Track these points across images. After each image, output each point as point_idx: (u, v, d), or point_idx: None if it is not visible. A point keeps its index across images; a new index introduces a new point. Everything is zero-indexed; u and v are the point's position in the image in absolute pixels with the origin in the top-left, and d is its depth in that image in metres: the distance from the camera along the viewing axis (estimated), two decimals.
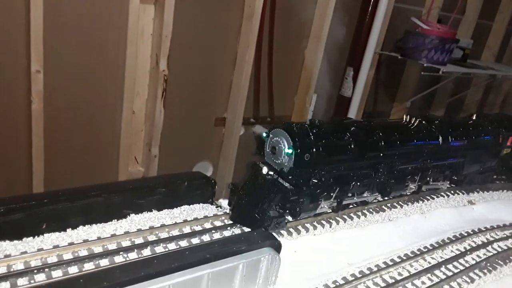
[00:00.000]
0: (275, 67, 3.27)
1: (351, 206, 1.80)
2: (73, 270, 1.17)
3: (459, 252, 1.73)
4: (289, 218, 1.60)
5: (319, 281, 1.43)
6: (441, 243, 1.76)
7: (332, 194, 1.62)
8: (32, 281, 1.10)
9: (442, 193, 2.15)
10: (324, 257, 1.56)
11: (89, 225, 1.36)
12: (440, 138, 1.95)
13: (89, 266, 1.20)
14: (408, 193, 1.98)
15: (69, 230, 1.32)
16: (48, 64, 2.31)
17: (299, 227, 1.63)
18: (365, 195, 1.78)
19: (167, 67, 2.72)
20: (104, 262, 1.22)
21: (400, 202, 1.99)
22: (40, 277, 1.12)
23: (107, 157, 2.79)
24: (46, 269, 1.14)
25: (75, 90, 2.51)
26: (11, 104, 2.35)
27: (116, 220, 1.41)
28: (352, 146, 1.64)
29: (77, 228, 1.34)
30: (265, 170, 1.55)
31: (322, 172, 1.56)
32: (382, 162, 1.75)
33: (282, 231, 1.59)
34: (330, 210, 1.69)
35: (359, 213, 1.82)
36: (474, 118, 2.23)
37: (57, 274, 1.15)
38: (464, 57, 3.90)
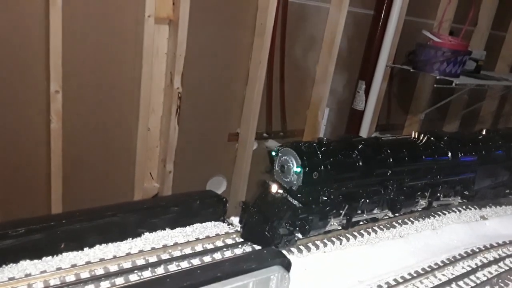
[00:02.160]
0: (287, 82, 3.32)
1: (361, 223, 1.82)
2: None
3: (470, 269, 1.73)
4: (299, 235, 1.62)
5: None
6: (452, 259, 1.77)
7: (341, 211, 1.64)
8: None
9: (454, 209, 2.15)
10: (335, 274, 1.58)
11: (105, 244, 1.41)
12: (450, 154, 1.96)
13: (105, 285, 1.25)
14: (418, 209, 1.99)
15: (86, 249, 1.38)
16: (67, 85, 2.40)
17: (309, 245, 1.66)
18: (375, 211, 1.80)
19: (181, 84, 2.79)
20: (119, 281, 1.27)
21: (411, 218, 1.99)
22: None
23: (124, 173, 2.86)
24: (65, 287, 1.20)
25: (93, 108, 2.59)
26: (32, 123, 2.44)
27: (131, 238, 1.46)
28: (360, 164, 1.67)
29: (94, 247, 1.39)
30: (274, 188, 1.58)
31: (331, 190, 1.59)
32: (391, 179, 1.77)
33: (292, 249, 1.62)
34: (340, 227, 1.72)
35: (370, 230, 1.83)
36: (484, 133, 2.24)
37: None
38: (477, 69, 3.89)
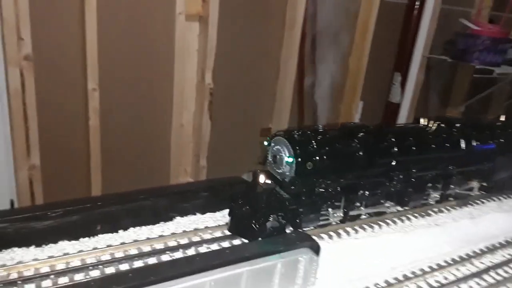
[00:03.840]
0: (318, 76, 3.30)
1: (363, 216, 1.72)
2: (124, 267, 1.27)
3: (511, 257, 1.66)
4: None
5: (360, 284, 1.43)
6: (491, 247, 1.70)
7: (338, 204, 1.55)
8: (88, 276, 1.20)
9: (494, 197, 2.07)
10: (366, 261, 1.56)
11: (139, 227, 1.46)
12: (463, 142, 1.84)
13: (138, 264, 1.29)
14: (431, 202, 1.89)
15: (120, 232, 1.43)
16: (103, 83, 2.49)
17: (340, 231, 1.64)
18: (378, 204, 1.69)
19: (212, 80, 2.83)
20: (152, 260, 1.31)
21: (447, 207, 1.93)
22: (95, 273, 1.23)
23: (159, 169, 2.94)
24: (100, 266, 1.24)
25: (128, 106, 2.68)
26: (72, 120, 2.55)
27: (163, 222, 1.50)
28: (361, 153, 1.56)
29: (128, 230, 1.44)
30: (262, 178, 1.46)
31: (328, 182, 1.49)
32: (396, 169, 1.66)
33: (322, 234, 1.61)
34: (338, 221, 1.62)
35: (403, 217, 1.79)
36: (503, 119, 2.12)
37: (110, 270, 1.25)
38: None
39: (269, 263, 1.27)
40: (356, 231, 1.67)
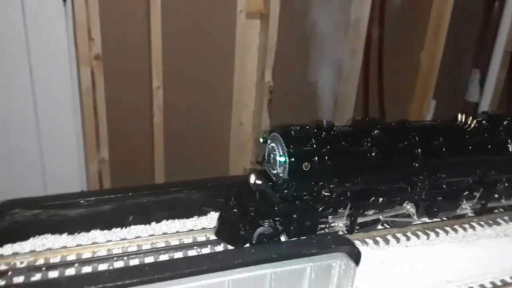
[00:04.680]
0: (385, 73, 3.10)
1: (380, 227, 1.50)
2: (149, 259, 1.24)
3: None
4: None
5: None
6: None
7: (343, 210, 1.34)
8: (111, 267, 1.19)
9: None
10: (417, 271, 1.39)
11: (171, 220, 1.43)
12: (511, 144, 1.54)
13: (164, 257, 1.26)
14: (469, 214, 1.62)
15: (153, 224, 1.41)
16: (167, 81, 2.53)
17: (388, 237, 1.49)
18: (394, 214, 1.45)
19: (272, 78, 2.77)
20: (178, 255, 1.27)
21: None
22: (119, 264, 1.21)
23: (218, 166, 2.93)
24: (125, 257, 1.23)
25: (189, 103, 2.70)
26: (137, 117, 2.62)
27: (197, 216, 1.46)
28: (373, 154, 1.33)
29: (161, 222, 1.42)
30: (253, 179, 1.29)
31: (331, 186, 1.29)
32: (419, 174, 1.40)
33: (367, 240, 1.46)
34: (345, 231, 1.41)
35: (466, 226, 1.58)
36: None
37: (134, 262, 1.23)
38: None
39: (297, 266, 1.17)
40: (408, 237, 1.51)
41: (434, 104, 3.24)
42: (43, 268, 1.14)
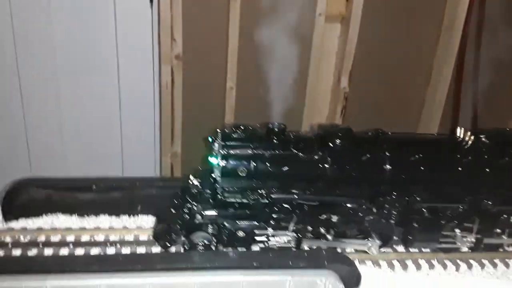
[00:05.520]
0: (481, 82, 2.75)
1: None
2: (135, 250, 1.27)
3: None
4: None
5: None
6: None
7: (285, 224, 1.20)
8: (102, 253, 1.25)
9: None
10: None
11: None
12: None
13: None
14: (465, 249, 1.33)
15: None
16: (240, 82, 2.57)
17: (407, 262, 1.31)
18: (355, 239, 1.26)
19: (348, 84, 2.64)
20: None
21: None
22: (111, 250, 1.26)
23: None
24: (118, 245, 1.27)
25: (261, 105, 2.69)
26: (210, 115, 2.69)
27: None
28: (326, 165, 1.18)
29: None
30: (192, 178, 1.23)
31: (271, 195, 1.17)
32: (386, 194, 1.21)
33: (380, 261, 1.30)
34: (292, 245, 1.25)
35: (509, 261, 1.32)
36: None
37: (126, 250, 1.27)
38: None
39: (273, 278, 1.10)
40: (432, 265, 1.31)
41: None
42: (40, 246, 1.23)
